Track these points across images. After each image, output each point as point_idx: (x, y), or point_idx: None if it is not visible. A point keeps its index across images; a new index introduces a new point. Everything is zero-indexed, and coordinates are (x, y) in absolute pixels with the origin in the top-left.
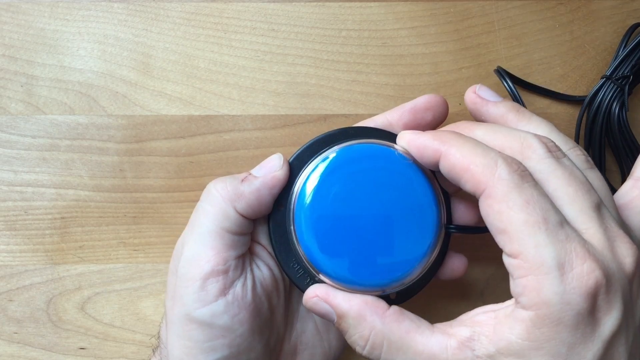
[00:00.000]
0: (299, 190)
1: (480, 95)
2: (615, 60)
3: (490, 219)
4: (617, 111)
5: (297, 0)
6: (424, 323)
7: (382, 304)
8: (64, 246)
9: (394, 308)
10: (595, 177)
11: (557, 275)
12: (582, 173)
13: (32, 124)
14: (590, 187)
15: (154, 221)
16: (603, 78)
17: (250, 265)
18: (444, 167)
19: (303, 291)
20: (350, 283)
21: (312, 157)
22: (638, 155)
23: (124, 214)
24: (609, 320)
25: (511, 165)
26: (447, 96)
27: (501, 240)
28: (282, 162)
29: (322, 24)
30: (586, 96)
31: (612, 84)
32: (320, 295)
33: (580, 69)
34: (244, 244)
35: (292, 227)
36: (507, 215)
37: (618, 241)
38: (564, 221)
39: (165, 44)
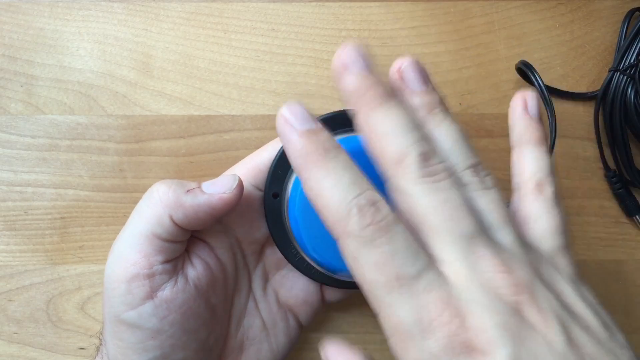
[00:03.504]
0: (292, 180)
1: (405, 77)
2: (618, 51)
3: (350, 271)
4: (633, 99)
5: (297, 0)
6: None
7: None
8: (64, 246)
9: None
10: (489, 200)
11: (418, 335)
12: (467, 196)
13: (32, 124)
14: (466, 214)
15: None
16: (611, 71)
17: (184, 266)
18: (305, 187)
19: (303, 273)
20: (342, 272)
21: None
22: None
23: (123, 214)
24: None
25: (365, 217)
26: (447, 96)
27: (366, 297)
28: (235, 185)
29: (322, 24)
30: (597, 92)
31: (621, 75)
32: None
33: (581, 69)
34: (176, 250)
35: (286, 217)
36: (361, 275)
37: (485, 267)
38: (423, 269)
39: (165, 44)
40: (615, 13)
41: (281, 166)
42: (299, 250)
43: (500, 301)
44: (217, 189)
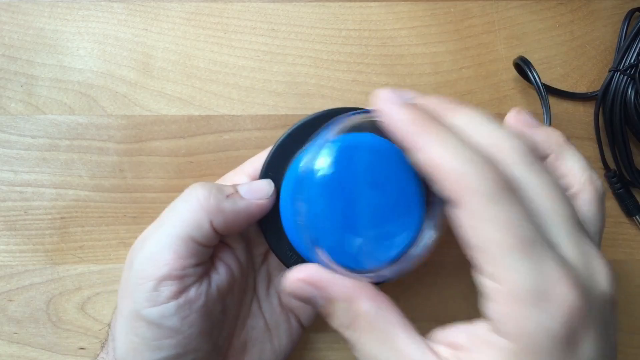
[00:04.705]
0: (286, 180)
1: (521, 120)
2: (618, 51)
3: (462, 232)
4: (633, 100)
5: (297, 0)
6: (411, 324)
7: (373, 288)
8: (64, 246)
9: (385, 296)
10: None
11: (536, 304)
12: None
13: (32, 124)
14: (566, 198)
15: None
16: (611, 71)
17: (209, 270)
18: (415, 159)
19: None
20: (339, 272)
21: (299, 145)
22: None
23: (124, 214)
24: (589, 347)
25: (491, 174)
26: (447, 96)
27: (475, 258)
28: (271, 191)
29: (322, 24)
30: (597, 92)
31: (621, 75)
32: (306, 278)
33: (581, 69)
34: (207, 254)
35: (280, 217)
36: (482, 233)
37: (592, 258)
38: (541, 239)
39: (165, 44)
40: (615, 13)
41: (272, 168)
42: (295, 252)
43: (601, 293)
44: (255, 194)
